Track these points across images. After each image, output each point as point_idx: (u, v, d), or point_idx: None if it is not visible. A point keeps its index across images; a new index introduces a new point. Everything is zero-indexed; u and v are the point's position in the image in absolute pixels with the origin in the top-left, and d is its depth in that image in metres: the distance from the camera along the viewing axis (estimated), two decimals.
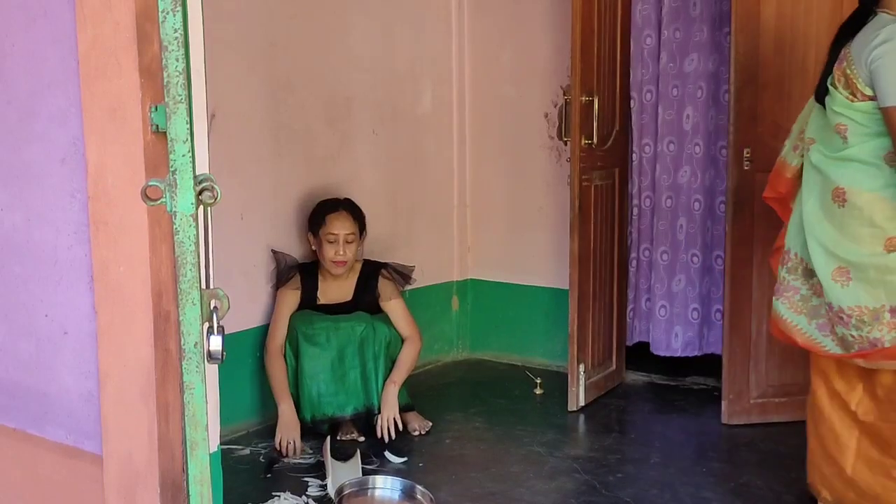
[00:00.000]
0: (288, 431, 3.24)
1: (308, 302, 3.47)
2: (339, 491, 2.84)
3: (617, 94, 3.90)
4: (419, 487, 2.84)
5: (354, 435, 3.37)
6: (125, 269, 2.02)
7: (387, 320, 3.47)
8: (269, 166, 3.59)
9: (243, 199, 3.47)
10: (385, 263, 3.63)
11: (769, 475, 3.07)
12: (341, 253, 3.42)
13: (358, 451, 3.12)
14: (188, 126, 1.29)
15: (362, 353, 3.36)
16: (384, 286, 3.55)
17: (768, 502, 2.85)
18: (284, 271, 3.51)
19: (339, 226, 3.44)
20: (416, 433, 3.40)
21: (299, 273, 3.50)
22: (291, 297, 3.45)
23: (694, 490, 2.95)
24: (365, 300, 3.52)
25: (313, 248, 3.52)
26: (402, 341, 3.48)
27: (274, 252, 3.57)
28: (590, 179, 3.70)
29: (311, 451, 3.30)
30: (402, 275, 3.64)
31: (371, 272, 3.56)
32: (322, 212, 3.49)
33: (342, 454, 3.15)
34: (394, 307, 3.53)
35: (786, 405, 3.56)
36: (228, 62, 3.36)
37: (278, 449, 3.21)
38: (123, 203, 2.00)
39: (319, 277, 3.51)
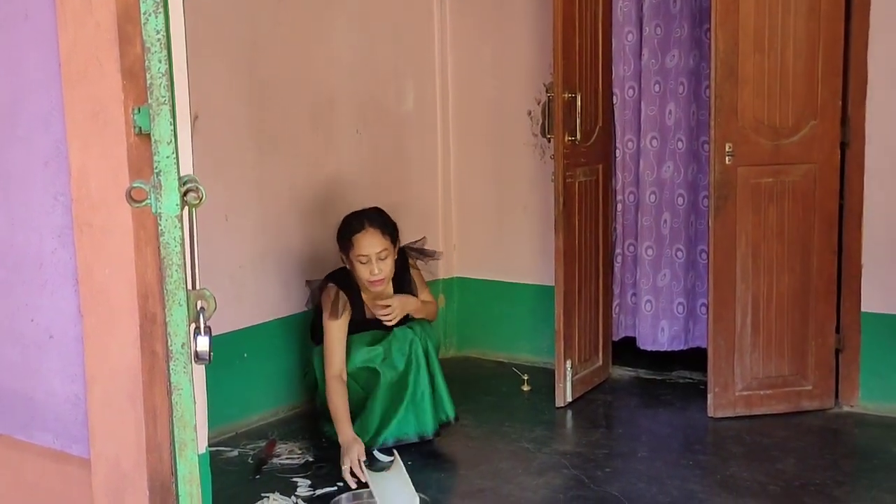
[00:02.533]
0: (353, 456, 3.00)
1: (357, 317, 3.32)
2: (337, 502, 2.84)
3: (599, 90, 3.92)
4: (419, 496, 2.82)
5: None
6: (110, 272, 2.02)
7: (424, 329, 3.37)
8: (253, 167, 3.59)
9: (228, 201, 3.46)
10: (407, 249, 3.47)
11: (755, 467, 3.10)
12: (376, 272, 3.21)
13: (396, 454, 3.00)
14: (172, 127, 1.29)
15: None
16: (414, 281, 3.46)
17: (754, 493, 2.88)
18: (328, 299, 3.27)
19: (368, 245, 3.21)
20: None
21: (341, 292, 3.28)
22: (343, 324, 3.25)
23: (681, 483, 2.97)
24: (406, 294, 3.43)
25: (347, 266, 3.32)
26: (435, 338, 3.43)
27: (308, 282, 3.45)
28: (573, 176, 3.72)
29: (300, 452, 3.30)
30: (424, 253, 3.55)
31: (402, 265, 3.40)
32: (348, 233, 3.26)
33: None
34: (421, 297, 3.48)
35: (771, 397, 3.59)
36: (211, 63, 3.35)
37: (347, 478, 2.95)
38: (107, 206, 1.99)
39: (360, 290, 3.32)
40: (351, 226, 3.27)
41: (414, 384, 3.26)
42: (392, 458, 3.07)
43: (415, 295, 3.44)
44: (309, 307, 3.53)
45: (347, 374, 3.24)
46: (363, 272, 3.23)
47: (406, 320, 3.38)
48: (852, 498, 2.84)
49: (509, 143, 4.37)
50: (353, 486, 2.93)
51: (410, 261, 3.48)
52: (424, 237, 3.62)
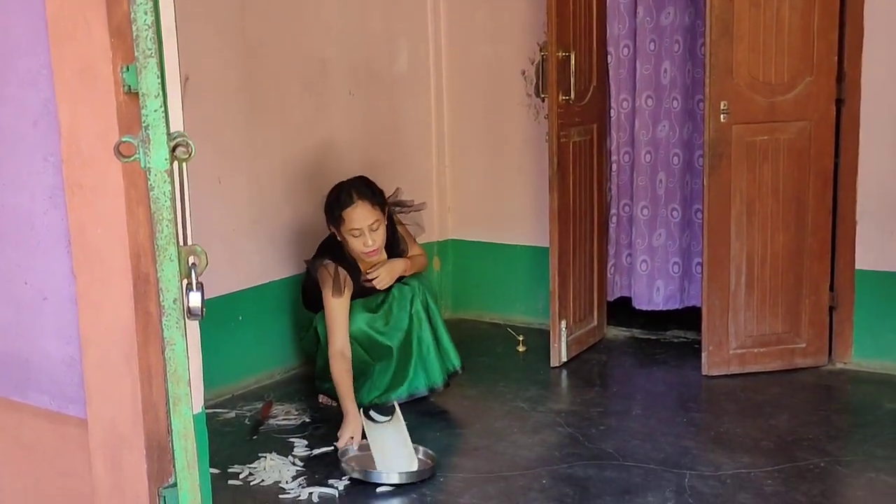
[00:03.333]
0: (355, 432, 3.00)
1: (356, 285, 3.30)
2: (344, 452, 2.89)
3: (594, 49, 3.89)
4: (421, 448, 2.87)
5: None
6: (102, 232, 2.01)
7: (421, 283, 3.38)
8: (245, 130, 3.56)
9: (220, 164, 3.44)
10: (392, 209, 3.43)
11: (748, 423, 3.13)
12: (370, 243, 3.19)
13: (396, 407, 3.02)
14: (159, 81, 1.28)
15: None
16: (403, 238, 3.45)
17: (747, 449, 2.91)
18: (327, 276, 3.23)
19: (360, 218, 3.18)
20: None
21: (340, 268, 3.24)
22: (345, 302, 3.23)
23: (675, 440, 3.00)
24: (397, 254, 3.41)
25: (339, 238, 3.28)
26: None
27: (307, 262, 3.38)
28: (568, 136, 3.70)
29: (296, 413, 3.32)
30: (408, 206, 3.52)
31: (390, 226, 3.37)
32: (337, 208, 3.21)
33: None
34: (411, 251, 3.48)
35: (764, 355, 3.61)
36: (200, 25, 3.31)
37: (338, 446, 2.96)
38: (98, 165, 1.98)
39: (356, 260, 3.30)
40: (339, 200, 3.22)
41: (418, 341, 3.29)
42: (389, 418, 3.08)
43: (406, 252, 3.44)
44: (304, 281, 3.47)
45: (350, 336, 3.24)
46: (357, 245, 3.21)
47: (401, 279, 3.38)
48: (844, 453, 2.86)
49: (503, 104, 4.34)
50: (345, 455, 2.92)
51: (396, 218, 3.46)
52: (399, 188, 3.54)
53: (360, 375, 3.30)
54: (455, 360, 3.39)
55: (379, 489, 2.69)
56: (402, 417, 2.92)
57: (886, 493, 2.60)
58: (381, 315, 3.30)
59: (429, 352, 3.31)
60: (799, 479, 2.68)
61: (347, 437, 2.98)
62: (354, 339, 3.26)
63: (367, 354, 3.31)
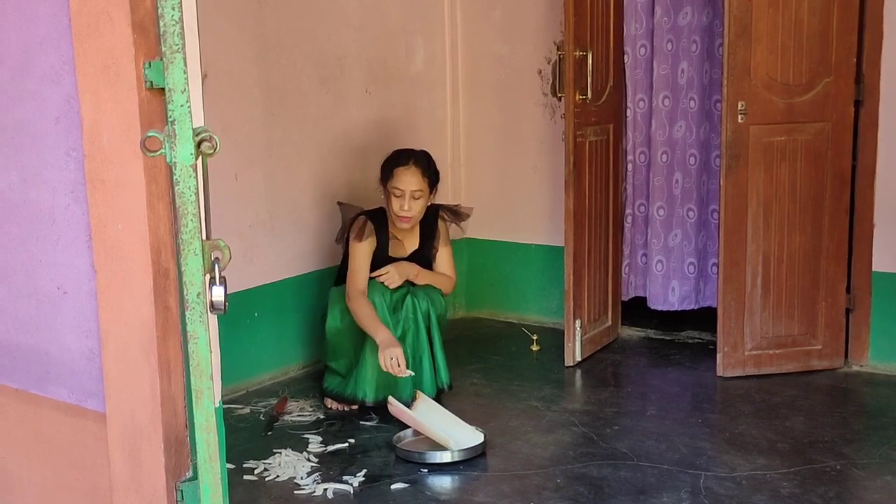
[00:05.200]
0: (394, 349, 3.08)
1: (378, 255, 3.36)
2: (399, 439, 2.96)
3: (611, 48, 3.88)
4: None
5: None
6: (123, 227, 2.02)
7: (429, 295, 3.37)
8: (262, 126, 3.58)
9: (237, 160, 3.46)
10: (440, 205, 3.52)
11: (764, 425, 3.12)
12: (406, 208, 3.28)
13: (418, 393, 3.12)
14: (185, 76, 1.29)
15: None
16: (441, 232, 3.48)
17: (763, 451, 2.90)
18: (356, 225, 3.35)
19: (406, 181, 3.29)
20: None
21: (370, 222, 3.36)
22: (368, 248, 3.32)
23: (689, 441, 2.99)
24: (430, 248, 3.46)
25: (382, 196, 3.40)
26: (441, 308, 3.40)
27: (340, 204, 3.52)
28: (584, 135, 3.70)
29: (311, 409, 3.33)
30: (456, 214, 3.56)
31: (432, 216, 3.45)
32: (392, 164, 3.35)
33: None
34: (441, 255, 3.49)
35: (780, 356, 3.60)
36: (218, 22, 3.33)
37: (390, 369, 3.06)
38: (120, 160, 1.99)
39: (389, 228, 3.39)
40: (398, 158, 3.35)
41: (412, 349, 3.26)
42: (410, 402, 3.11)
43: (435, 247, 3.47)
44: (339, 243, 3.52)
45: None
46: (395, 204, 3.31)
47: (413, 284, 3.37)
48: (861, 456, 2.85)
49: (519, 103, 4.34)
50: (405, 374, 3.08)
51: (442, 213, 3.50)
52: (460, 204, 3.67)
53: (347, 363, 3.31)
54: (444, 377, 3.36)
55: (394, 485, 2.70)
56: (432, 400, 3.04)
57: None
58: (388, 301, 3.28)
59: (421, 363, 3.27)
60: (815, 482, 2.67)
61: (390, 357, 3.04)
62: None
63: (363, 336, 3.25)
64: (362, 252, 3.32)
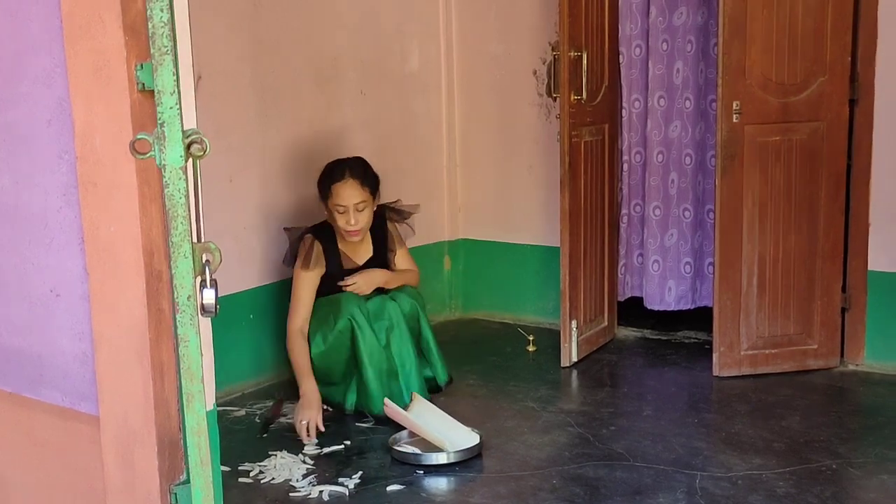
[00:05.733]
0: (310, 412, 3.05)
1: (333, 270, 3.31)
2: (395, 440, 2.95)
3: (606, 49, 3.88)
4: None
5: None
6: (116, 230, 2.01)
7: (407, 293, 3.35)
8: (257, 128, 3.57)
9: (231, 162, 3.45)
10: (384, 207, 3.46)
11: (760, 424, 3.11)
12: (353, 222, 3.23)
13: (414, 395, 3.14)
14: (175, 78, 1.28)
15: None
16: (392, 234, 3.46)
17: (759, 450, 2.89)
18: (303, 248, 3.29)
19: (347, 196, 3.23)
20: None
21: (317, 242, 3.29)
22: (314, 278, 3.27)
23: (686, 441, 2.99)
24: (386, 254, 3.44)
25: (325, 212, 3.35)
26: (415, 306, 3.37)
27: (287, 230, 3.43)
28: (579, 136, 3.70)
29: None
30: (400, 212, 3.51)
31: (379, 220, 3.41)
32: (328, 181, 3.28)
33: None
34: (399, 257, 3.47)
35: (776, 356, 3.60)
36: (212, 23, 3.32)
37: (299, 433, 3.02)
38: (112, 163, 1.98)
39: (338, 241, 3.34)
40: (332, 174, 3.28)
41: (399, 356, 3.23)
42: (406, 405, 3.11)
43: (391, 250, 3.44)
44: (287, 262, 3.43)
45: (338, 328, 3.20)
46: (340, 221, 3.26)
47: (385, 291, 3.35)
48: (857, 455, 2.85)
49: (515, 104, 4.34)
50: (307, 441, 2.98)
51: (388, 215, 3.46)
52: (399, 200, 3.58)
53: (342, 380, 3.27)
54: (443, 377, 3.36)
55: (389, 487, 2.69)
56: (428, 402, 3.04)
57: None
58: (366, 311, 3.24)
59: (410, 371, 3.24)
60: (811, 481, 2.66)
61: (304, 419, 3.00)
62: (341, 333, 3.20)
63: (352, 349, 3.21)
64: (307, 283, 3.26)
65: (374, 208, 3.34)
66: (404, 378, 3.23)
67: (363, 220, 3.27)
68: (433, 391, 3.35)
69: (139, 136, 1.32)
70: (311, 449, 2.98)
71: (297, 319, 3.24)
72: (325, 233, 3.33)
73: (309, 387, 3.13)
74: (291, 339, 3.23)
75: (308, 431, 3.02)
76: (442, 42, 4.42)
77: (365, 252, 3.41)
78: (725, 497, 2.57)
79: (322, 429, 3.05)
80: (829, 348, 3.64)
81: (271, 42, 3.60)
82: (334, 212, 3.26)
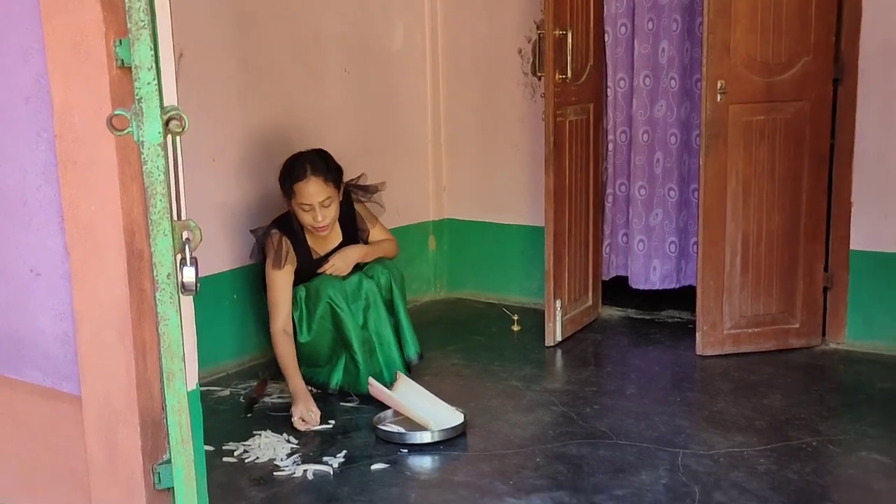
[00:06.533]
0: (304, 404, 3.02)
1: (304, 262, 3.27)
2: (380, 420, 2.96)
3: (591, 27, 3.86)
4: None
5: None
6: (96, 209, 2.00)
7: (382, 265, 3.33)
8: (240, 107, 3.54)
9: (214, 142, 3.43)
10: (349, 186, 3.39)
11: (742, 403, 3.14)
12: (319, 219, 3.16)
13: (398, 374, 3.12)
14: (152, 53, 1.26)
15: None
16: (362, 214, 3.42)
17: (741, 428, 2.92)
18: (271, 247, 3.21)
19: (310, 194, 3.14)
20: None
21: (286, 237, 3.22)
22: (287, 276, 3.21)
23: (669, 419, 3.01)
24: (358, 235, 3.40)
25: (289, 209, 3.26)
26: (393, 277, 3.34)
27: (252, 231, 3.36)
28: (564, 115, 3.69)
29: (289, 394, 3.31)
30: (366, 189, 3.46)
31: (346, 202, 3.36)
32: (289, 180, 3.18)
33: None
34: (374, 232, 3.43)
35: (758, 335, 3.62)
36: (194, 0, 3.28)
37: (299, 428, 2.96)
38: (91, 141, 1.96)
39: (305, 232, 3.27)
40: (293, 173, 3.18)
41: (376, 333, 3.23)
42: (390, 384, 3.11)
43: (363, 230, 3.40)
44: (254, 259, 3.40)
45: (319, 315, 3.20)
46: (306, 219, 3.19)
47: (362, 266, 3.33)
48: (836, 432, 2.87)
49: (499, 83, 4.32)
50: (304, 428, 2.96)
51: (354, 196, 3.41)
52: (363, 174, 3.49)
53: (328, 362, 3.27)
54: (412, 352, 3.34)
55: (374, 466, 2.70)
56: (412, 381, 3.04)
57: (877, 472, 2.61)
58: (345, 290, 3.23)
59: (389, 347, 3.24)
60: (791, 458, 2.69)
61: (299, 416, 2.97)
62: (322, 318, 3.20)
63: (336, 331, 3.22)
64: (282, 282, 3.19)
65: (340, 198, 3.27)
66: (383, 356, 3.23)
67: (330, 214, 3.19)
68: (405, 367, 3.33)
69: (116, 112, 1.30)
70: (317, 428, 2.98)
71: (278, 321, 3.19)
72: (291, 226, 3.25)
73: (297, 386, 3.09)
74: (275, 341, 3.18)
75: (305, 421, 2.98)
76: (427, 20, 4.40)
77: (334, 238, 3.34)
78: (707, 474, 2.59)
79: (317, 412, 3.02)
80: (810, 327, 3.66)
81: (255, 20, 3.57)
82: (299, 210, 3.19)
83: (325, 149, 3.34)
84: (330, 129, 3.91)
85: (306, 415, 2.99)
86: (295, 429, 2.96)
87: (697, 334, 3.61)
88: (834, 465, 2.69)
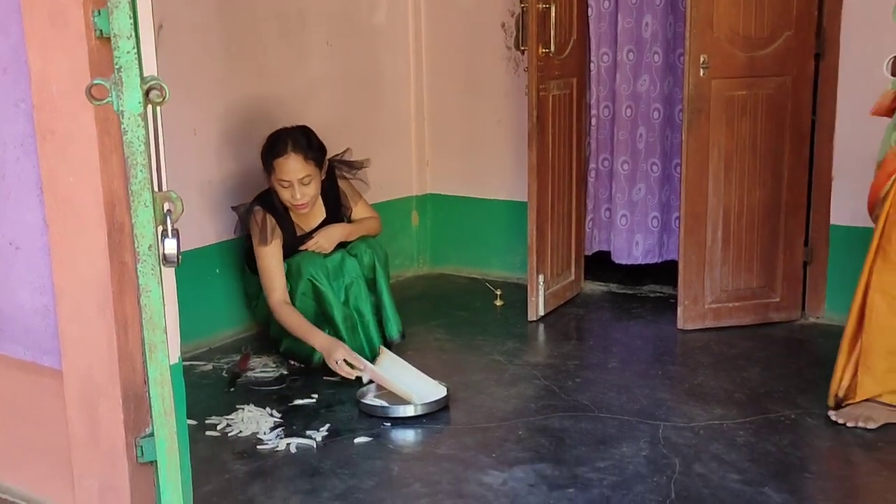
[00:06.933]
0: (337, 352, 2.99)
1: (289, 238, 3.26)
2: (362, 394, 2.96)
3: (574, 1, 3.85)
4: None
5: None
6: (75, 181, 1.98)
7: (366, 243, 3.32)
8: (222, 80, 3.51)
9: (195, 114, 3.40)
10: (333, 162, 3.38)
11: (722, 376, 3.17)
12: (298, 196, 3.14)
13: (382, 349, 3.12)
14: (132, 21, 1.25)
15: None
16: (346, 191, 3.40)
17: (720, 401, 2.95)
18: (255, 225, 3.19)
19: (290, 171, 3.12)
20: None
21: (269, 215, 3.20)
22: (276, 249, 3.19)
23: (650, 392, 3.03)
24: (342, 212, 3.39)
25: (269, 185, 3.24)
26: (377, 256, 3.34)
27: (234, 208, 3.33)
28: (547, 89, 3.68)
29: (274, 365, 3.32)
30: (350, 165, 3.45)
31: (330, 179, 3.35)
32: (270, 155, 3.16)
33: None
34: (357, 209, 3.43)
35: (739, 309, 3.65)
36: None
37: (341, 372, 2.97)
38: (70, 112, 1.94)
39: (288, 210, 3.26)
40: (274, 148, 3.16)
41: (356, 309, 3.22)
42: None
43: (346, 206, 3.39)
44: (238, 234, 3.38)
45: (300, 292, 3.19)
46: (285, 195, 3.17)
47: (346, 244, 3.32)
48: (814, 405, 2.91)
49: (483, 57, 4.30)
50: (352, 375, 2.99)
51: (338, 172, 3.39)
52: (349, 149, 3.47)
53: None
54: (394, 331, 3.33)
55: (357, 440, 2.71)
56: (396, 356, 3.04)
57: (853, 444, 2.65)
58: (328, 268, 3.22)
59: (368, 325, 3.24)
60: (770, 431, 2.72)
61: (340, 358, 2.97)
62: (304, 295, 3.19)
63: (318, 307, 3.21)
64: (271, 256, 3.17)
65: (323, 176, 3.24)
66: (364, 331, 3.23)
67: (310, 192, 3.17)
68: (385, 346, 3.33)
69: (96, 82, 1.29)
70: (278, 402, 2.97)
71: (275, 293, 3.17)
72: (273, 202, 3.23)
73: (323, 339, 3.07)
74: (278, 312, 3.15)
75: (348, 371, 2.98)
76: None
77: (317, 214, 3.32)
78: (687, 446, 2.62)
79: (358, 358, 3.01)
80: (790, 301, 3.69)
81: None
82: (278, 186, 3.17)
83: (308, 124, 3.32)
84: (312, 103, 3.88)
85: (346, 361, 2.97)
86: (282, 402, 2.97)
87: (679, 309, 3.64)
88: (811, 437, 2.72)
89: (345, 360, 3.00)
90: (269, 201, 3.24)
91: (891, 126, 2.69)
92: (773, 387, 3.06)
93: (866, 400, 2.76)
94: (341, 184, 3.40)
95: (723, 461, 2.52)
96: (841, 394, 2.82)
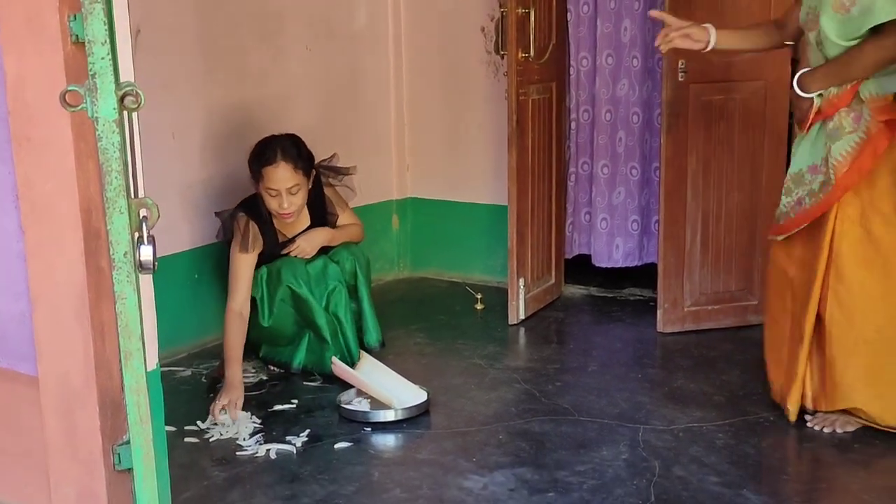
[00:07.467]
0: (233, 393, 2.90)
1: (271, 245, 3.22)
2: (348, 401, 2.96)
3: (553, 6, 3.87)
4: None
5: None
6: (52, 187, 1.96)
7: (348, 250, 3.30)
8: (200, 84, 3.50)
9: (174, 119, 3.38)
10: (320, 168, 3.34)
11: (701, 378, 3.18)
12: (285, 206, 3.10)
13: (362, 353, 3.17)
14: (106, 27, 1.24)
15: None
16: (332, 198, 3.37)
17: (700, 403, 2.96)
18: (237, 230, 3.15)
19: (278, 180, 3.08)
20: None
21: (252, 221, 3.16)
22: (252, 260, 3.15)
23: (629, 395, 3.05)
24: (323, 217, 3.35)
25: (256, 191, 3.19)
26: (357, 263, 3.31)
27: (218, 214, 3.29)
28: (527, 94, 3.69)
29: (253, 370, 3.31)
30: (336, 171, 3.42)
31: (316, 186, 3.31)
32: (258, 163, 3.12)
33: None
34: (343, 217, 3.39)
35: (717, 312, 3.67)
36: None
37: (215, 415, 2.85)
38: (46, 118, 1.92)
39: (272, 217, 3.21)
40: (263, 156, 3.12)
41: (336, 314, 3.20)
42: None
43: (332, 214, 3.36)
44: (220, 239, 3.33)
45: (279, 298, 3.17)
46: (272, 204, 3.13)
47: (328, 249, 3.30)
48: None
49: (462, 61, 4.31)
50: (222, 421, 2.83)
51: (324, 179, 3.37)
52: (336, 154, 3.45)
53: (290, 342, 3.26)
54: (374, 339, 3.30)
55: (337, 445, 2.70)
56: (377, 360, 3.06)
57: (832, 446, 2.67)
58: (306, 276, 3.20)
59: (347, 332, 3.20)
60: (749, 433, 2.74)
61: (221, 405, 2.85)
62: (283, 301, 3.17)
63: (297, 314, 3.20)
64: (245, 265, 3.13)
65: (310, 186, 3.22)
66: (343, 338, 3.22)
67: (297, 201, 3.13)
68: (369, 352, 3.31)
69: (70, 88, 1.28)
70: (258, 408, 2.96)
71: (236, 300, 3.12)
72: (258, 209, 3.19)
73: (236, 376, 2.98)
74: (229, 320, 3.10)
75: (223, 411, 2.85)
76: None
77: (302, 222, 3.29)
78: (667, 449, 2.63)
79: (240, 411, 2.87)
80: None
81: None
82: (265, 194, 3.13)
83: (288, 128, 3.30)
84: (292, 107, 3.88)
85: (231, 406, 2.85)
86: (261, 408, 2.96)
87: (658, 312, 3.66)
88: (790, 439, 2.75)
89: (223, 408, 2.86)
90: (254, 207, 3.21)
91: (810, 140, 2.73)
92: (752, 389, 3.08)
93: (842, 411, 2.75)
94: (327, 191, 3.36)
95: (702, 463, 2.54)
96: (809, 405, 2.79)
